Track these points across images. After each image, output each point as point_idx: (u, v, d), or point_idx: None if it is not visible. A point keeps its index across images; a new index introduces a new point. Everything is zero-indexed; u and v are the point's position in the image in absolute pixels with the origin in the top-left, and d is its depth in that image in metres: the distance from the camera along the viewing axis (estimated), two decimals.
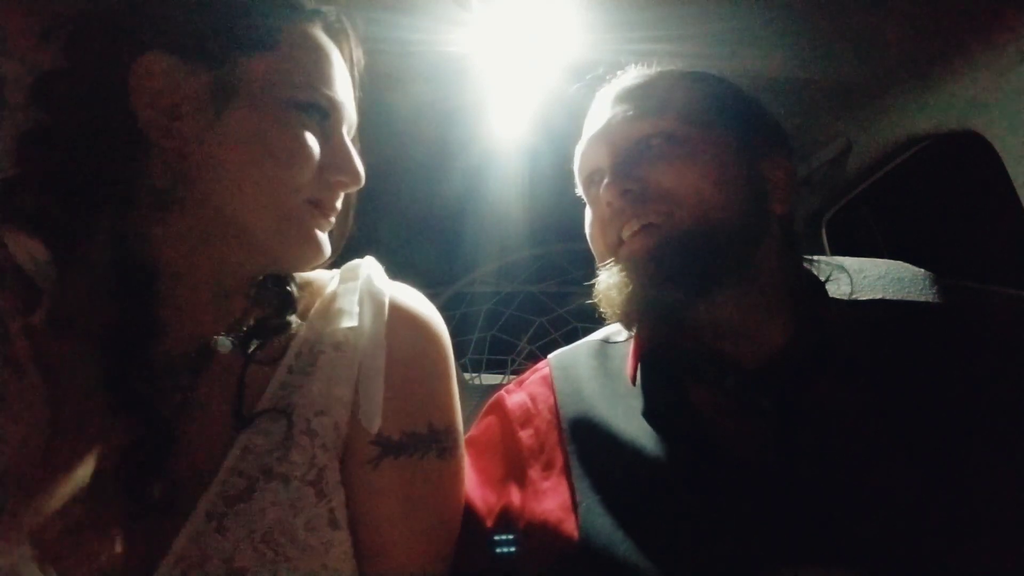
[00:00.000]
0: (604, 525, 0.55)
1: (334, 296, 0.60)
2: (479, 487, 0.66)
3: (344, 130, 0.59)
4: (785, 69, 0.99)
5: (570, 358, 0.76)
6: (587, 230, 0.72)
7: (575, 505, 0.58)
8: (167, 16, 0.51)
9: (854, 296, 0.69)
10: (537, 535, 0.60)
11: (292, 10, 0.56)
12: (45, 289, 0.50)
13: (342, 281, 0.62)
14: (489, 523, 0.63)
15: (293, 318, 0.58)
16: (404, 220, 1.69)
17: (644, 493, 0.56)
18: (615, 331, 0.77)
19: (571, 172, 0.75)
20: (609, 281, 0.65)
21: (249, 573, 0.47)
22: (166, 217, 0.51)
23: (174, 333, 0.53)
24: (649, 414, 0.62)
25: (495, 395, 0.77)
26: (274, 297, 0.59)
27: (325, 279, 0.64)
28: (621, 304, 0.63)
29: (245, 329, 0.57)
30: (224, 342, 0.54)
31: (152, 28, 0.51)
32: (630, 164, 0.64)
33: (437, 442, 0.58)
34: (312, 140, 0.54)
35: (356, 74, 0.63)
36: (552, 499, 0.61)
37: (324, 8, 0.59)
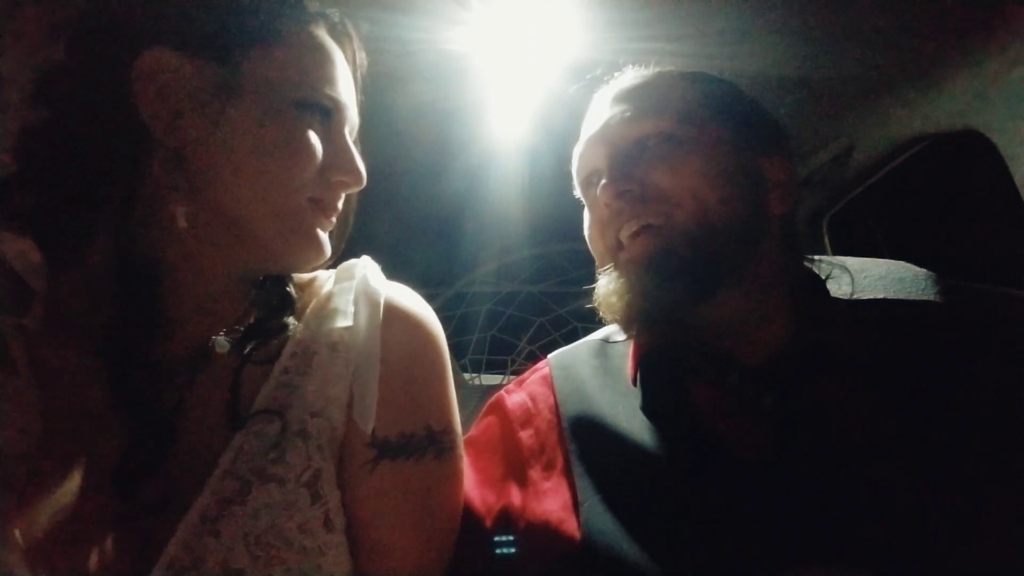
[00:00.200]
0: (606, 525, 0.55)
1: (330, 296, 0.60)
2: (479, 487, 0.66)
3: (346, 131, 0.59)
4: (785, 69, 0.99)
5: (570, 358, 0.76)
6: (586, 232, 0.71)
7: (576, 505, 0.58)
8: (172, 12, 0.51)
9: (855, 295, 0.68)
10: (538, 535, 0.59)
11: (296, 11, 0.56)
12: (37, 289, 0.50)
13: (338, 281, 0.62)
14: (489, 523, 0.63)
15: (291, 319, 0.58)
16: (404, 220, 1.68)
17: (646, 492, 0.56)
18: (615, 330, 0.76)
19: (571, 172, 0.74)
20: (608, 287, 0.65)
21: None
22: (167, 216, 0.51)
23: (173, 333, 0.53)
24: (650, 413, 0.62)
25: (495, 395, 0.77)
26: (273, 298, 0.59)
27: (321, 279, 0.64)
28: (621, 310, 0.63)
29: (243, 330, 0.57)
30: (222, 342, 0.54)
31: (157, 23, 0.50)
32: (628, 165, 0.64)
33: (435, 443, 0.58)
34: (315, 139, 0.54)
35: (358, 76, 0.63)
36: (553, 499, 0.61)
37: (328, 10, 0.59)
